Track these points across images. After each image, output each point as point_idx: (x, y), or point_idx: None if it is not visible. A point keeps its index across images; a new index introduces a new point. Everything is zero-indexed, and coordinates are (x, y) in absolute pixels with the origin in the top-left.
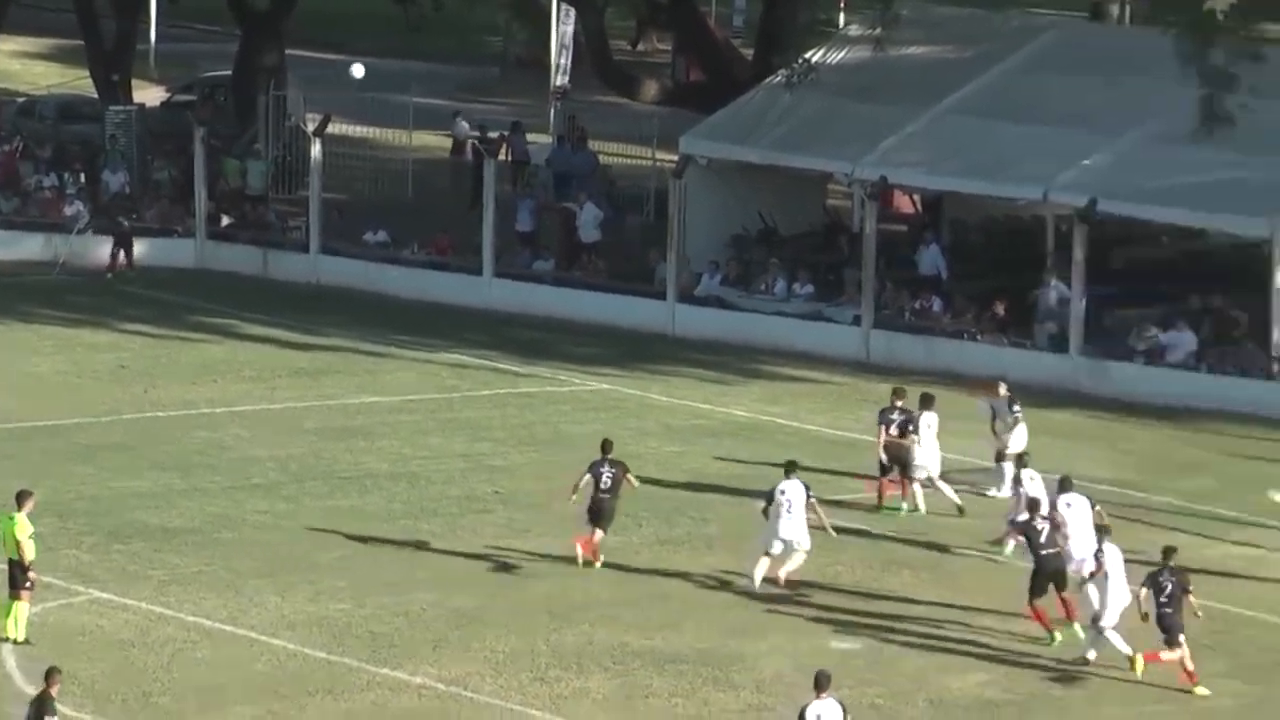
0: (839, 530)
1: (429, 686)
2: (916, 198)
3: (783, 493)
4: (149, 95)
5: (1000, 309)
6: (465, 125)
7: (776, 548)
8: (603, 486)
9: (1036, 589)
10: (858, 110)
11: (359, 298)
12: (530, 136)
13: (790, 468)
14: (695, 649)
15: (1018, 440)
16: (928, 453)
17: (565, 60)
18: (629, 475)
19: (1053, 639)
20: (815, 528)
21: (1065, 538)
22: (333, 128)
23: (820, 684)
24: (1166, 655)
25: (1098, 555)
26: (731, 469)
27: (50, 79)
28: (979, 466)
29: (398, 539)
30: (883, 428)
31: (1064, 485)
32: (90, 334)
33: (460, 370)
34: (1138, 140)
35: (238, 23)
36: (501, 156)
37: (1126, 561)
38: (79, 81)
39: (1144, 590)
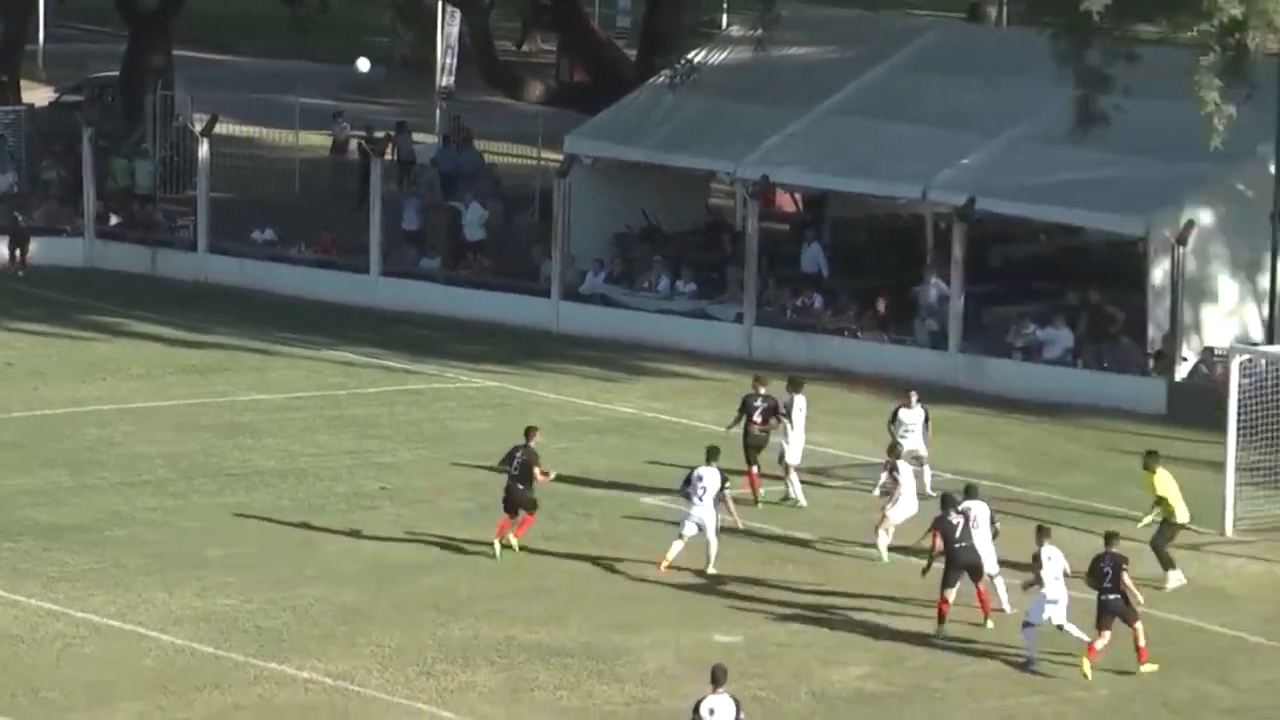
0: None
1: (316, 681)
2: (798, 196)
3: (700, 478)
4: (37, 95)
5: (881, 306)
6: (346, 125)
7: (689, 530)
8: (512, 472)
9: (948, 581)
10: (740, 110)
11: (247, 296)
12: (416, 136)
13: (711, 454)
14: (580, 642)
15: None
16: (796, 438)
17: (450, 61)
18: (537, 467)
19: (940, 630)
20: (725, 518)
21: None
22: (220, 127)
23: (716, 679)
24: (1143, 639)
25: (1037, 556)
26: (616, 465)
27: None
28: (863, 462)
29: (286, 535)
30: (746, 415)
31: (969, 492)
32: None
33: (347, 368)
34: (1015, 139)
35: (125, 23)
36: (387, 156)
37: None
38: None
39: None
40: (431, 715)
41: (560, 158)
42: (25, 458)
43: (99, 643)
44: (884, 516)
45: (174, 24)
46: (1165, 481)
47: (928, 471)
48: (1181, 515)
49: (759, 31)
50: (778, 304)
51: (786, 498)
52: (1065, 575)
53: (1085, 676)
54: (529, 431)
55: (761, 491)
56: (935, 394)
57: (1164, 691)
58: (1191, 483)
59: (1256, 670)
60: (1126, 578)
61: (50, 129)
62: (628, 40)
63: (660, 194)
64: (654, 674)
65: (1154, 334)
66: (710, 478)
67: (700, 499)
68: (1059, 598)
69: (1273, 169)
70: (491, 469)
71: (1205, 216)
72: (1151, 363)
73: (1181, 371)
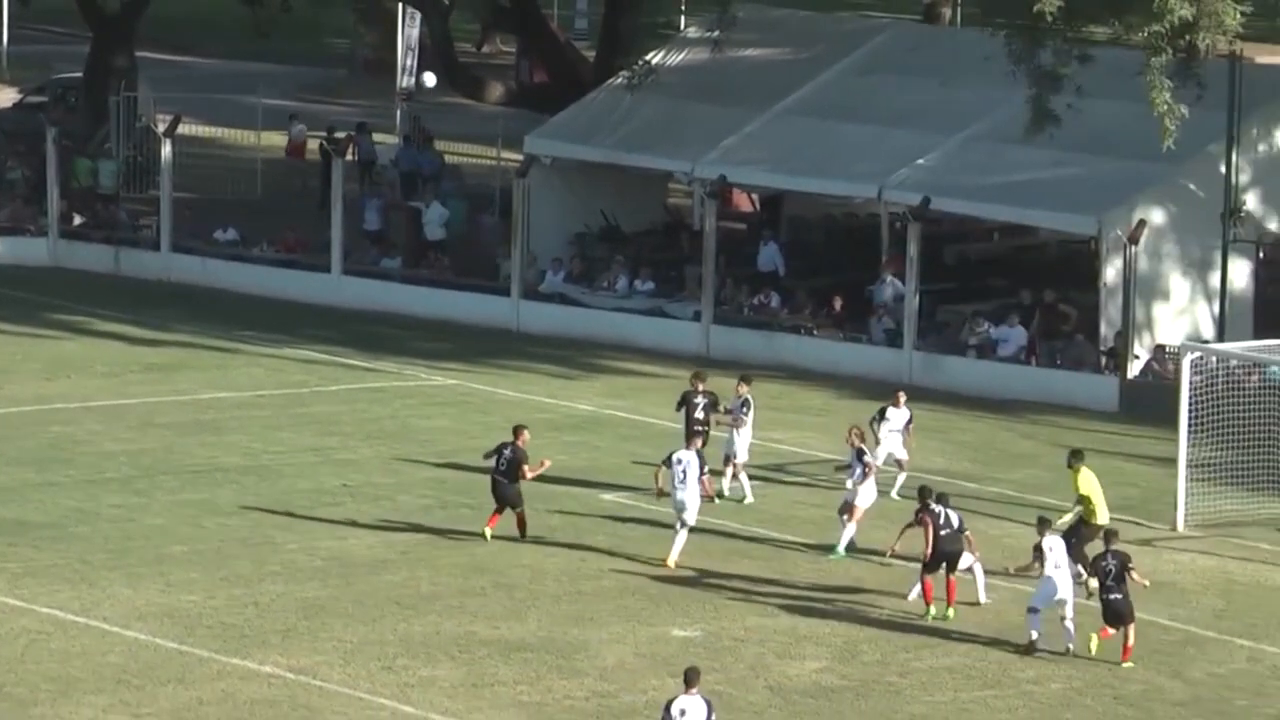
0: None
1: (278, 675)
2: (755, 196)
3: (679, 461)
4: (1, 96)
5: (837, 304)
6: (303, 127)
7: (679, 509)
8: (499, 468)
9: (930, 566)
10: (697, 111)
11: (210, 295)
12: (377, 137)
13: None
14: (540, 637)
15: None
16: (744, 435)
17: (411, 62)
18: (526, 465)
19: (929, 613)
20: (705, 498)
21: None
22: (183, 128)
23: (689, 680)
24: (1133, 640)
25: (1038, 547)
26: (574, 461)
27: None
28: (820, 459)
29: (248, 532)
30: (687, 412)
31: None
32: None
33: (309, 366)
34: (969, 139)
35: (89, 25)
36: (348, 157)
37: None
38: None
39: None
40: (393, 710)
41: (520, 158)
42: None
43: (63, 638)
44: (854, 508)
45: (137, 26)
46: (1089, 481)
47: (902, 476)
48: (1101, 517)
49: (716, 33)
50: (735, 302)
51: (722, 494)
52: (1069, 566)
53: (1090, 652)
54: (517, 430)
55: (718, 485)
56: (890, 390)
57: (1116, 685)
58: (1143, 479)
59: (1207, 664)
60: (1135, 574)
61: (14, 129)
62: (586, 42)
63: (619, 194)
64: (613, 668)
65: (1106, 332)
66: (690, 461)
67: (681, 482)
68: (1063, 586)
69: (1223, 168)
70: (447, 465)
71: (1157, 216)
72: (1104, 360)
73: (1134, 369)
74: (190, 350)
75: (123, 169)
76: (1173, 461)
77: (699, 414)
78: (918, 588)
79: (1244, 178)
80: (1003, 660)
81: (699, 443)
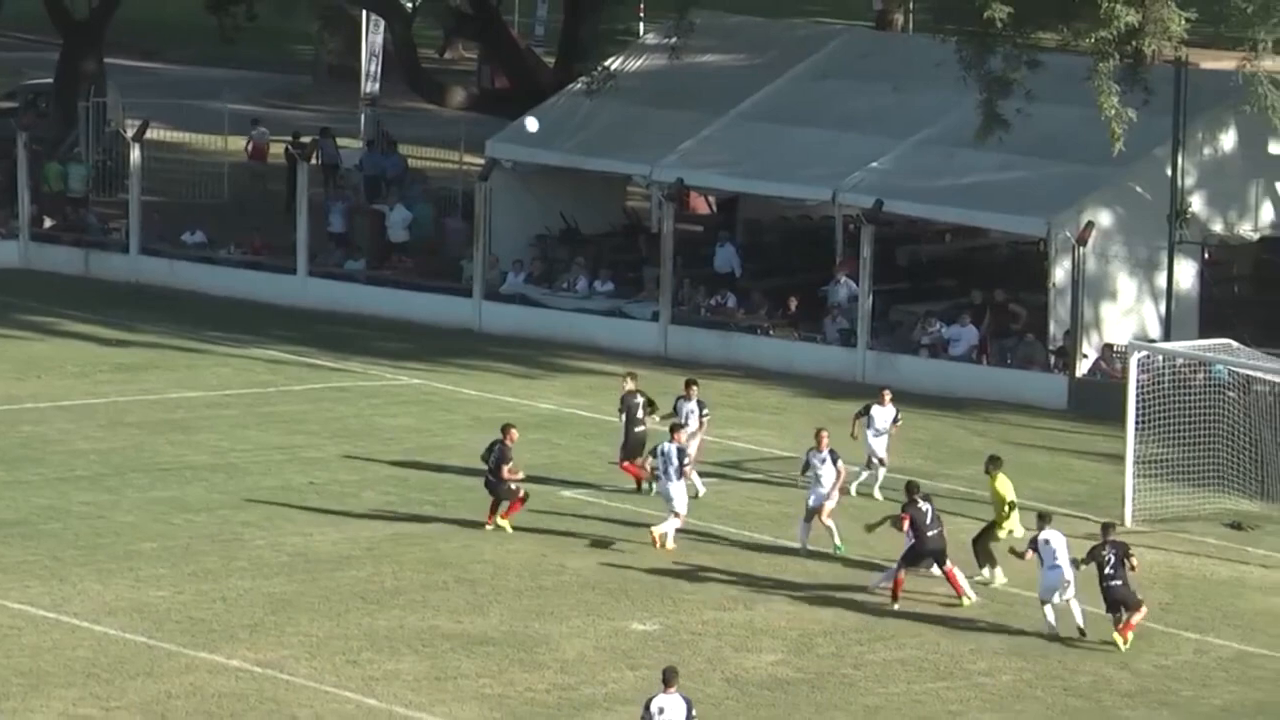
0: (641, 524)
1: (245, 669)
2: (711, 199)
3: (663, 454)
4: None
5: (792, 305)
6: (265, 131)
7: (665, 499)
8: (490, 465)
9: (909, 560)
10: (655, 115)
11: (178, 296)
12: (341, 141)
13: (675, 429)
14: (502, 631)
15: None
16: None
17: (375, 68)
18: (505, 465)
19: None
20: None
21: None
22: (151, 133)
23: (667, 679)
24: (1137, 619)
25: (1035, 540)
26: (535, 459)
27: None
28: (776, 456)
29: (216, 528)
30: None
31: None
32: None
33: (276, 365)
34: (921, 143)
35: (59, 31)
36: (313, 161)
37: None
38: None
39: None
40: (358, 703)
41: (482, 162)
42: None
43: (34, 633)
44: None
45: (106, 32)
46: (1006, 486)
47: (882, 471)
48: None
49: (673, 39)
50: (692, 303)
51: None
52: (1070, 559)
53: (1121, 649)
54: (505, 429)
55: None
56: (844, 389)
57: (1066, 676)
58: (1092, 475)
59: (1155, 655)
60: (1135, 561)
61: None
62: (546, 48)
63: (578, 197)
64: (573, 661)
65: (1056, 331)
66: (671, 453)
67: (664, 473)
68: (1067, 576)
69: (1169, 171)
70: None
71: (1104, 217)
72: (1053, 359)
73: (1082, 367)
74: (159, 350)
75: (92, 173)
76: (1121, 458)
77: (640, 414)
78: (878, 576)
79: (1189, 180)
80: (954, 653)
81: (680, 436)
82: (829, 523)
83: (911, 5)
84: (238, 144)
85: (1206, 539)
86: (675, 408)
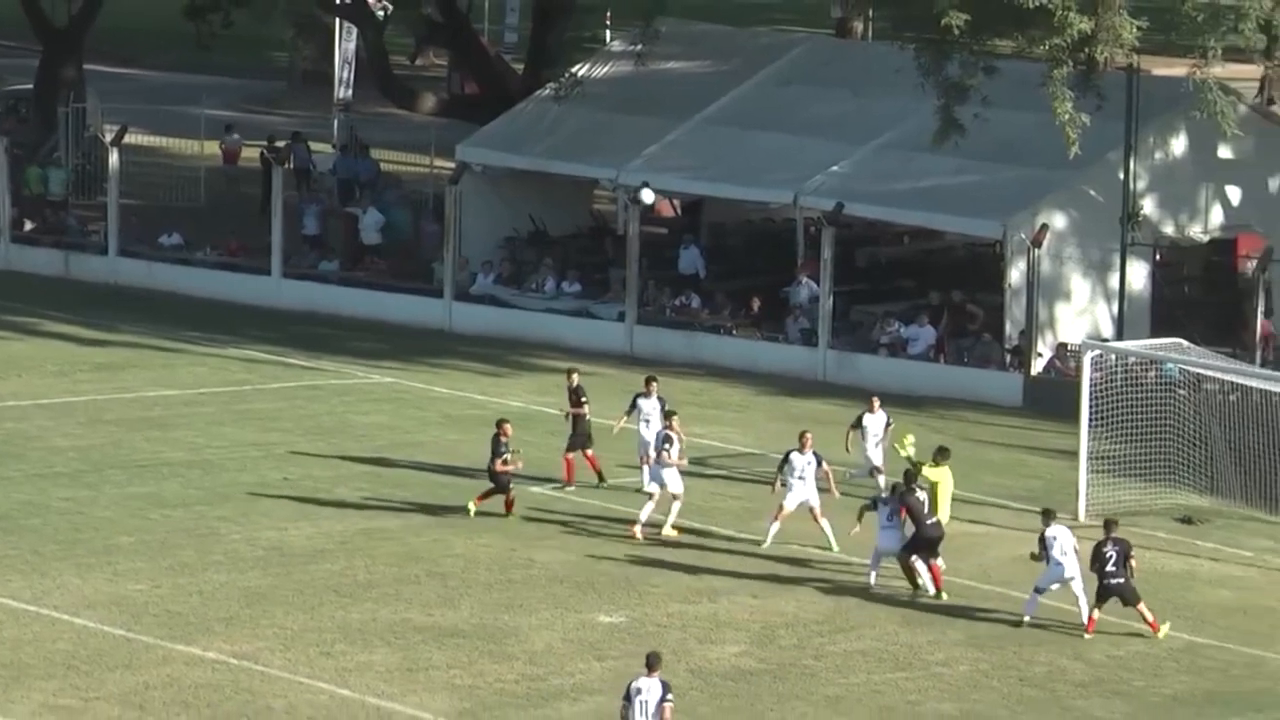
0: (608, 518)
1: (222, 661)
2: (676, 202)
3: (648, 443)
4: None
5: (755, 305)
6: (238, 137)
7: (652, 487)
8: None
9: (910, 550)
10: (621, 121)
11: (155, 297)
12: (315, 146)
13: (671, 415)
14: (472, 624)
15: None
16: (650, 431)
17: (348, 74)
18: (498, 457)
19: (919, 590)
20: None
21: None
22: (129, 137)
23: (650, 664)
24: (1143, 609)
25: (1044, 536)
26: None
27: None
28: (739, 453)
29: (193, 523)
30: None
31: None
32: None
33: (251, 365)
34: (881, 148)
35: (39, 39)
36: (286, 165)
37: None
38: None
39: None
40: (331, 693)
41: (452, 166)
42: None
43: (15, 626)
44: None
45: (85, 39)
46: (942, 475)
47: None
48: (941, 513)
49: (639, 47)
50: (657, 303)
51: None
52: (1075, 551)
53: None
54: (499, 424)
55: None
56: (806, 388)
57: (1021, 667)
58: (1046, 470)
59: (1108, 646)
60: (1134, 562)
61: None
62: (515, 55)
63: (547, 200)
64: (542, 653)
65: (1011, 331)
66: (660, 439)
67: (658, 460)
68: (1071, 570)
69: (1121, 175)
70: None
71: (1058, 220)
72: (1009, 358)
73: (1037, 366)
74: (137, 350)
75: (72, 177)
76: (1074, 454)
77: (585, 410)
78: (874, 572)
79: (1141, 184)
80: (913, 644)
81: (673, 422)
82: (824, 523)
83: (871, 13)
84: (214, 149)
85: (1158, 533)
86: (634, 404)
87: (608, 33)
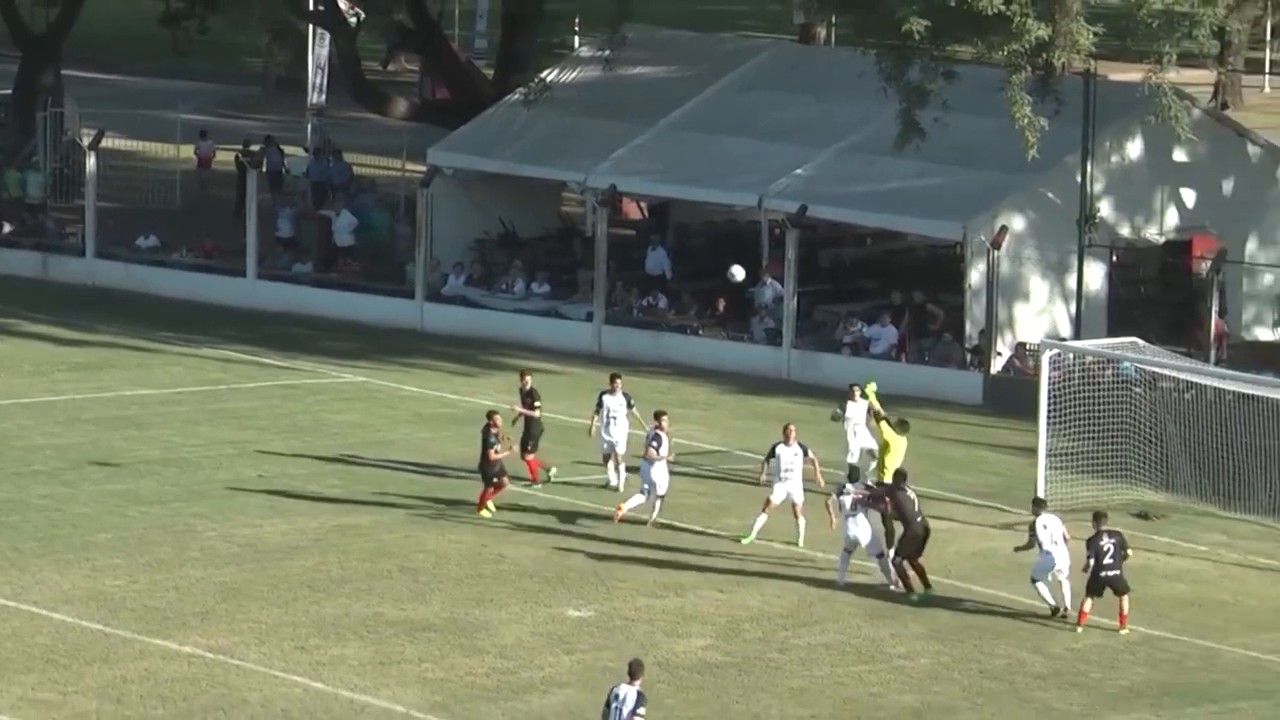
0: (578, 514)
1: (198, 655)
2: (643, 204)
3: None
4: None
5: (720, 306)
6: (211, 142)
7: (646, 488)
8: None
9: (901, 553)
10: (589, 125)
11: (132, 298)
12: (289, 150)
13: (660, 414)
14: (443, 618)
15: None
16: (619, 429)
17: (321, 80)
18: (489, 448)
19: (915, 592)
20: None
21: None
22: (106, 142)
23: (633, 672)
24: (1127, 606)
25: (1034, 525)
26: (475, 453)
27: None
28: (705, 450)
29: (169, 520)
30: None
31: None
32: None
33: (226, 364)
34: (843, 151)
35: (17, 45)
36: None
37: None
38: None
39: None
40: (305, 687)
41: (423, 169)
42: None
43: None
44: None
45: (63, 45)
46: (895, 440)
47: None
48: (885, 475)
49: (607, 52)
50: (625, 304)
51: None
52: (1065, 540)
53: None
54: (489, 415)
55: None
56: (771, 386)
57: (981, 660)
58: (1005, 467)
59: (1066, 639)
60: (1129, 551)
61: None
62: (485, 61)
63: (516, 203)
64: (512, 646)
65: (971, 331)
66: (650, 435)
67: (649, 460)
68: (1061, 558)
69: (1079, 178)
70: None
71: (1017, 222)
72: (969, 357)
73: (997, 365)
74: (114, 350)
75: (50, 180)
76: (1033, 451)
77: (536, 411)
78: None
79: (1098, 187)
80: (875, 637)
81: (662, 421)
82: (801, 520)
83: (833, 19)
84: (190, 153)
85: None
86: (599, 402)
87: (576, 39)
